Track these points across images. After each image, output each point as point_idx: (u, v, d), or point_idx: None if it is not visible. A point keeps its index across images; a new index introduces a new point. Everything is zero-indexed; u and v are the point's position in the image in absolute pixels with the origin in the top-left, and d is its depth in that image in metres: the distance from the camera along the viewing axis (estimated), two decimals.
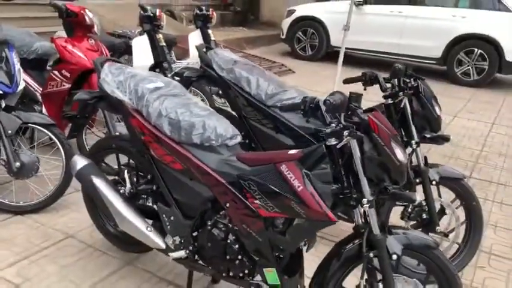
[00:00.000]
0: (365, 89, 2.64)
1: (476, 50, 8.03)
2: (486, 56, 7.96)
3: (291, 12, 9.63)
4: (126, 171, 2.41)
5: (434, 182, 2.55)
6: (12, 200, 3.03)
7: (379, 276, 1.82)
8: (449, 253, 2.65)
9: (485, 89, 7.99)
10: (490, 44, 7.93)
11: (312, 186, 1.72)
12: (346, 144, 1.72)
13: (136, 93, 2.17)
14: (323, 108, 1.87)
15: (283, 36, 9.78)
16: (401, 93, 2.47)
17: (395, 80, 2.49)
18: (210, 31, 4.92)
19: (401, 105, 2.49)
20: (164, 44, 4.26)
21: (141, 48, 4.23)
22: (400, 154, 1.75)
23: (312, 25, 9.33)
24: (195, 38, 4.79)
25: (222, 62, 2.95)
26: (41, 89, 3.77)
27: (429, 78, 8.19)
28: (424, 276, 2.01)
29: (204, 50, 3.14)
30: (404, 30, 8.52)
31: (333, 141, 1.73)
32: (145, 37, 4.24)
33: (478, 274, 2.76)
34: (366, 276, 1.81)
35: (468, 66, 8.17)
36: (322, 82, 7.34)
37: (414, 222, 2.59)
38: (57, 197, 3.07)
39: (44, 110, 3.69)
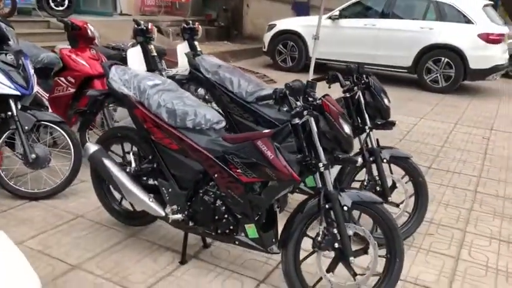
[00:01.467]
0: (329, 87, 3.17)
1: (443, 58, 8.66)
2: (452, 64, 8.62)
3: (272, 26, 10.22)
4: (131, 154, 2.90)
5: (385, 161, 3.08)
6: (28, 187, 3.48)
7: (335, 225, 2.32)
8: (401, 221, 3.17)
9: (452, 95, 8.63)
10: (455, 53, 8.58)
11: (281, 155, 2.23)
12: (306, 121, 2.24)
13: (139, 89, 2.67)
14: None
15: (265, 49, 10.37)
16: (355, 87, 3.01)
17: (351, 77, 3.03)
18: (196, 43, 5.44)
19: (356, 98, 3.02)
20: (156, 54, 4.75)
21: (135, 58, 4.71)
22: (347, 128, 2.27)
23: (291, 38, 9.92)
24: (183, 49, 5.30)
25: (208, 66, 3.47)
26: (47, 95, 4.23)
27: (401, 86, 8.98)
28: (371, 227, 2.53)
29: (192, 56, 3.66)
30: (377, 42, 9.11)
31: (296, 121, 2.25)
32: (138, 48, 4.73)
33: (426, 240, 3.27)
34: (324, 225, 2.32)
35: (436, 74, 8.80)
36: None
37: None
38: (67, 185, 3.53)
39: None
